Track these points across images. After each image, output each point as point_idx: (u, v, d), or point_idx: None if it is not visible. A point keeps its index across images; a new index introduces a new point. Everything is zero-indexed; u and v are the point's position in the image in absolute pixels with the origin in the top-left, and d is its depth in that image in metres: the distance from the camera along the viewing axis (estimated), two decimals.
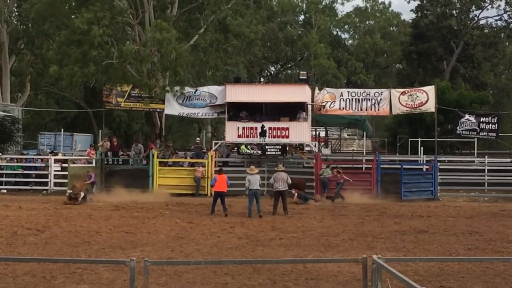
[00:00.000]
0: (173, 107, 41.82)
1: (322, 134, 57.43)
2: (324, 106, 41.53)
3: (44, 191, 37.51)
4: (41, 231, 23.39)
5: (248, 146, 38.75)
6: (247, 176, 29.45)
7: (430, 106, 41.52)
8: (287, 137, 38.87)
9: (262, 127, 38.60)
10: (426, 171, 38.63)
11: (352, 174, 37.15)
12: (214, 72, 52.71)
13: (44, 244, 20.79)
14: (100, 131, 46.15)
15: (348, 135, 64.77)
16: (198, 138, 48.09)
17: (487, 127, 42.72)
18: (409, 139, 46.65)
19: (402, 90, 42.97)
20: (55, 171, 38.14)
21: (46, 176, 38.25)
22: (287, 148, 39.47)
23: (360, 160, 42.86)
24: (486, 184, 40.13)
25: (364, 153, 46.95)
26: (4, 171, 39.09)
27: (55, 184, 37.51)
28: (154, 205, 31.25)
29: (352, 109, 41.61)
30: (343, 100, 41.51)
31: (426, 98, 41.29)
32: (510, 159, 43.67)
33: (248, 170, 30.29)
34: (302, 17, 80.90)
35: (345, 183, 34.85)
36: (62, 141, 49.06)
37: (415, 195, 35.82)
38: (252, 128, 38.92)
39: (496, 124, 42.67)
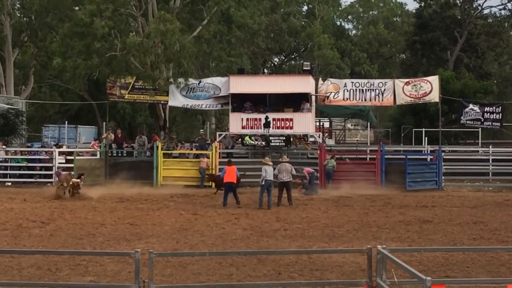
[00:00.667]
0: (177, 99, 41.83)
1: (326, 125, 57.43)
2: (328, 96, 41.54)
3: (49, 184, 37.46)
4: (46, 224, 23.44)
5: (252, 137, 38.76)
6: (263, 166, 29.27)
7: (434, 96, 41.49)
8: (291, 128, 38.85)
9: (266, 118, 38.57)
10: (430, 161, 38.64)
11: (356, 165, 37.19)
12: (218, 64, 52.71)
13: (49, 237, 20.83)
14: (104, 123, 46.18)
15: (352, 125, 64.79)
16: (202, 130, 48.13)
17: (491, 117, 42.70)
18: (413, 129, 46.61)
19: (406, 80, 42.96)
20: (59, 163, 38.13)
21: (50, 168, 38.24)
22: (291, 139, 39.47)
23: (364, 151, 42.83)
24: (490, 173, 40.12)
25: (368, 144, 46.91)
26: (9, 164, 39.13)
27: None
28: (159, 197, 31.29)
29: (356, 99, 41.61)
30: (347, 91, 41.51)
31: (430, 88, 41.26)
32: None
33: (264, 160, 30.12)
34: (305, 7, 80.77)
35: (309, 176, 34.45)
36: (66, 133, 49.08)
37: (420, 185, 35.82)
38: (256, 119, 38.91)
39: (500, 114, 42.69)
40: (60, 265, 16.46)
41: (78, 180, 31.92)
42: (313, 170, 34.76)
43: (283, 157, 31.53)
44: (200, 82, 41.88)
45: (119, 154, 40.83)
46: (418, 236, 21.21)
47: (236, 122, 39.27)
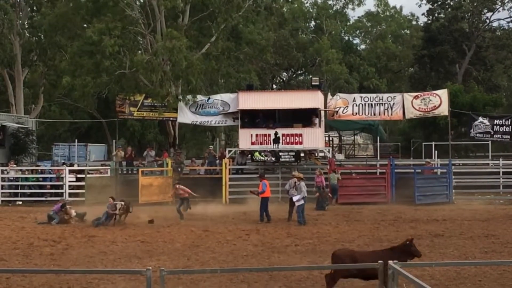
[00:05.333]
0: (186, 116, 41.93)
1: (336, 139, 57.38)
2: (337, 111, 41.54)
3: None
4: (57, 242, 23.46)
5: (262, 153, 38.74)
6: (301, 183, 28.98)
7: (443, 110, 41.45)
8: (301, 143, 38.86)
9: (276, 133, 38.59)
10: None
11: (366, 179, 37.15)
12: (227, 80, 52.75)
13: (60, 255, 20.85)
14: (114, 141, 46.25)
15: (361, 137, 64.68)
16: (211, 146, 48.18)
17: (501, 130, 42.60)
18: (423, 143, 46.49)
19: (415, 94, 42.91)
20: (70, 181, 38.19)
21: (61, 187, 38.30)
22: (304, 154, 39.45)
23: (374, 165, 42.76)
24: (501, 186, 39.99)
25: (378, 158, 46.79)
26: (19, 183, 39.19)
27: (70, 194, 37.48)
28: (169, 214, 31.26)
29: (365, 114, 41.61)
30: (356, 105, 41.51)
31: (439, 101, 41.24)
32: None
33: (298, 176, 29.68)
34: (313, 23, 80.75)
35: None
36: (76, 151, 49.17)
37: (430, 199, 35.71)
38: (265, 135, 38.94)
39: (510, 126, 42.53)
40: (72, 284, 16.47)
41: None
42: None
43: (294, 173, 31.45)
44: (209, 98, 42.00)
45: (129, 172, 40.89)
46: (429, 250, 21.13)
47: (246, 138, 39.31)
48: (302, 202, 28.51)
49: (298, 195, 28.52)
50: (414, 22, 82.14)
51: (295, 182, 29.12)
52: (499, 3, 68.31)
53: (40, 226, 27.69)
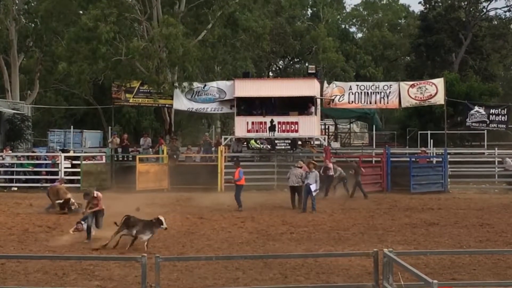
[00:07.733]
0: (182, 103, 41.87)
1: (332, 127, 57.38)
2: (333, 100, 41.52)
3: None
4: (52, 228, 23.46)
5: (258, 141, 38.74)
6: (314, 171, 29.02)
7: (440, 99, 41.46)
8: (297, 131, 38.85)
9: (271, 121, 38.56)
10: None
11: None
12: (223, 67, 52.69)
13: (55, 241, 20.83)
14: (110, 127, 46.19)
15: (356, 125, 64.77)
16: (207, 133, 48.13)
17: (496, 119, 42.64)
18: (419, 132, 46.48)
19: (411, 82, 42.93)
20: (65, 168, 38.15)
21: (56, 173, 38.23)
22: (302, 142, 39.47)
23: (369, 154, 42.77)
24: (496, 176, 40.04)
25: (374, 146, 46.79)
26: (15, 169, 39.16)
27: (66, 181, 37.39)
28: (165, 201, 31.26)
29: (361, 102, 41.61)
30: (352, 94, 41.51)
31: (435, 90, 41.25)
32: None
33: (304, 165, 29.81)
34: (310, 11, 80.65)
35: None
36: (72, 138, 49.04)
37: (425, 187, 35.76)
38: (261, 122, 38.91)
39: (506, 116, 42.60)
40: (67, 270, 16.47)
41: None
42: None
43: (298, 162, 31.30)
44: (205, 85, 41.94)
45: (125, 159, 40.86)
46: (424, 239, 21.20)
47: (242, 126, 39.27)
48: (318, 190, 28.71)
49: (313, 183, 28.52)
50: (411, 9, 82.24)
51: (306, 173, 29.00)
52: None
53: (35, 212, 27.61)
